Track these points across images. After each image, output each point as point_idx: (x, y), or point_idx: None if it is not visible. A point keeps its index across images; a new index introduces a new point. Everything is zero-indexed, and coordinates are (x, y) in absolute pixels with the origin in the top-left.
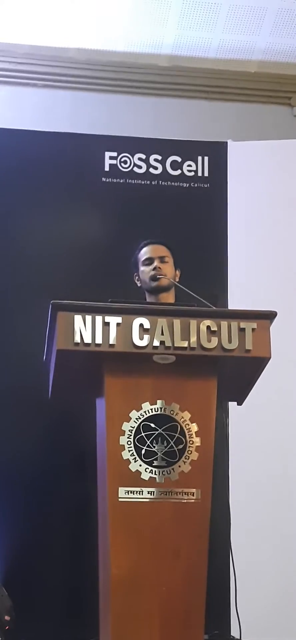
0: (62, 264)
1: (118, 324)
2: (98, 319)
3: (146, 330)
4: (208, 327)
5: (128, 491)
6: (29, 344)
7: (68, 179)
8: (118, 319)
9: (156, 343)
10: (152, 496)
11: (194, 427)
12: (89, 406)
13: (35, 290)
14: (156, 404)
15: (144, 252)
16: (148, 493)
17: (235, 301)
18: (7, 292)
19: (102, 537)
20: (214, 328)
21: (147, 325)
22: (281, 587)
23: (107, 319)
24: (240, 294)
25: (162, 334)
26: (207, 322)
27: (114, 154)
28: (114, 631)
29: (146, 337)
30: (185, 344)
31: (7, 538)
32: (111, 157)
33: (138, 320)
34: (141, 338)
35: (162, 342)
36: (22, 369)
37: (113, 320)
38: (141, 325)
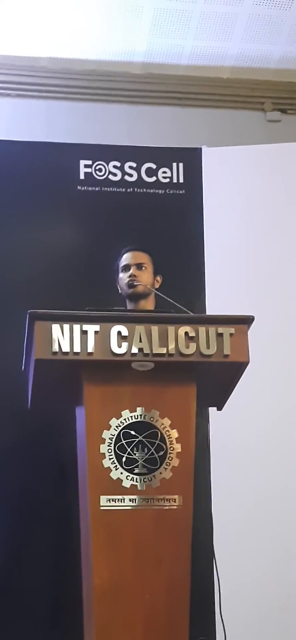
0: (39, 274)
1: (96, 332)
2: (76, 327)
3: (124, 338)
4: (186, 333)
5: (109, 499)
6: (6, 355)
7: (43, 188)
8: (96, 327)
9: (134, 350)
10: (133, 504)
11: (174, 434)
12: (69, 415)
13: (12, 300)
14: (136, 411)
15: (123, 259)
16: (130, 501)
17: (212, 306)
18: None
19: (84, 547)
20: (192, 334)
21: (125, 332)
22: (266, 593)
23: (85, 327)
24: (217, 299)
25: (140, 341)
26: (185, 328)
27: (89, 162)
28: None
29: (124, 344)
30: (164, 351)
31: None
32: (86, 166)
33: (116, 328)
34: (119, 346)
35: (140, 349)
36: (0, 380)
37: (91, 328)
38: (119, 332)
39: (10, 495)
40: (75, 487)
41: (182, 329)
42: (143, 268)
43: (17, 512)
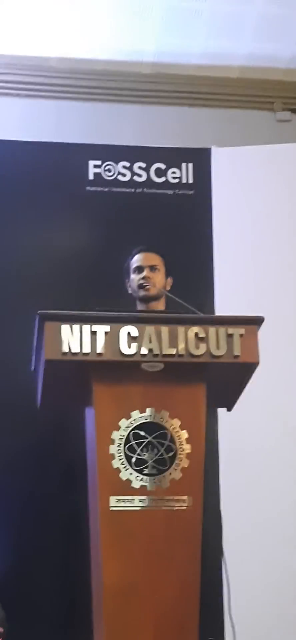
0: (48, 274)
1: (105, 333)
2: (86, 328)
3: (134, 339)
4: (196, 334)
5: (119, 500)
6: (16, 355)
7: (52, 189)
8: (106, 328)
9: (144, 351)
10: (143, 504)
11: (184, 434)
12: (78, 416)
13: (22, 300)
14: (145, 412)
15: (135, 260)
16: (140, 501)
17: (222, 307)
18: None
19: (94, 547)
20: (202, 335)
21: (134, 333)
22: (276, 592)
23: (94, 327)
24: (227, 300)
25: (150, 341)
26: (195, 328)
27: (98, 162)
28: None
29: (134, 345)
30: (174, 351)
31: None
32: (95, 166)
33: (125, 329)
34: (129, 346)
35: (150, 350)
36: (9, 380)
37: (101, 329)
38: (129, 333)
39: (20, 496)
40: (85, 488)
41: (192, 330)
42: (156, 270)
43: (26, 513)
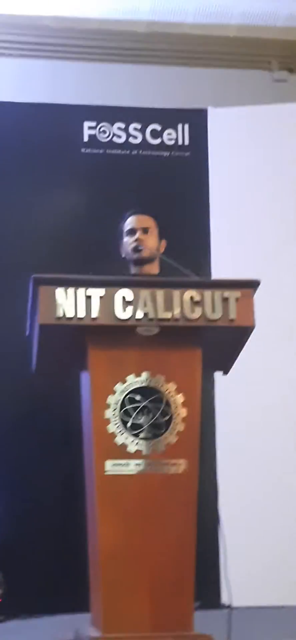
0: (43, 237)
1: (100, 297)
2: (80, 292)
3: (129, 303)
4: (191, 298)
5: (115, 464)
6: (11, 319)
7: (46, 151)
8: (101, 292)
9: (139, 315)
10: (139, 468)
11: (180, 398)
12: (74, 380)
13: (16, 265)
14: (141, 376)
15: (128, 223)
16: (135, 465)
17: (218, 269)
18: None
19: (90, 511)
20: (197, 298)
21: (129, 297)
22: (272, 552)
23: (89, 292)
24: (223, 262)
25: (145, 305)
26: (190, 292)
27: (93, 123)
28: (105, 602)
29: (129, 309)
30: (169, 315)
31: None
32: (90, 127)
33: (120, 293)
34: (124, 310)
35: (145, 314)
36: (4, 345)
37: (96, 292)
38: (123, 297)
39: (16, 461)
40: (81, 452)
41: (188, 294)
42: (149, 232)
43: (22, 478)
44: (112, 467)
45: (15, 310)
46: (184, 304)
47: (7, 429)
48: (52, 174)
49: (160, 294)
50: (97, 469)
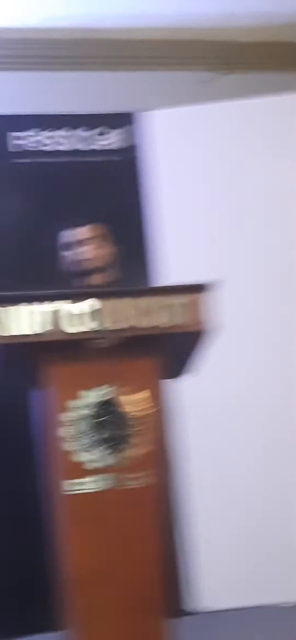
0: None
1: (46, 312)
2: (24, 309)
3: (76, 316)
4: (139, 306)
5: (72, 483)
6: None
7: None
8: (46, 307)
9: (87, 328)
10: (97, 485)
11: (136, 410)
12: (26, 400)
13: None
14: (94, 391)
15: (69, 235)
16: (94, 483)
17: (169, 274)
18: None
19: (51, 532)
20: (146, 307)
21: (76, 310)
22: (245, 556)
23: (33, 308)
24: (175, 266)
25: (93, 318)
26: (138, 301)
27: (19, 133)
28: (78, 625)
29: (76, 322)
30: (118, 326)
31: None
32: (15, 137)
33: (66, 306)
34: (71, 324)
35: (93, 327)
36: None
37: (40, 308)
38: (70, 311)
39: None
40: (36, 474)
41: (136, 302)
42: (95, 241)
43: None
44: (70, 486)
45: None
46: (133, 314)
47: None
48: None
49: (107, 304)
50: (54, 490)
